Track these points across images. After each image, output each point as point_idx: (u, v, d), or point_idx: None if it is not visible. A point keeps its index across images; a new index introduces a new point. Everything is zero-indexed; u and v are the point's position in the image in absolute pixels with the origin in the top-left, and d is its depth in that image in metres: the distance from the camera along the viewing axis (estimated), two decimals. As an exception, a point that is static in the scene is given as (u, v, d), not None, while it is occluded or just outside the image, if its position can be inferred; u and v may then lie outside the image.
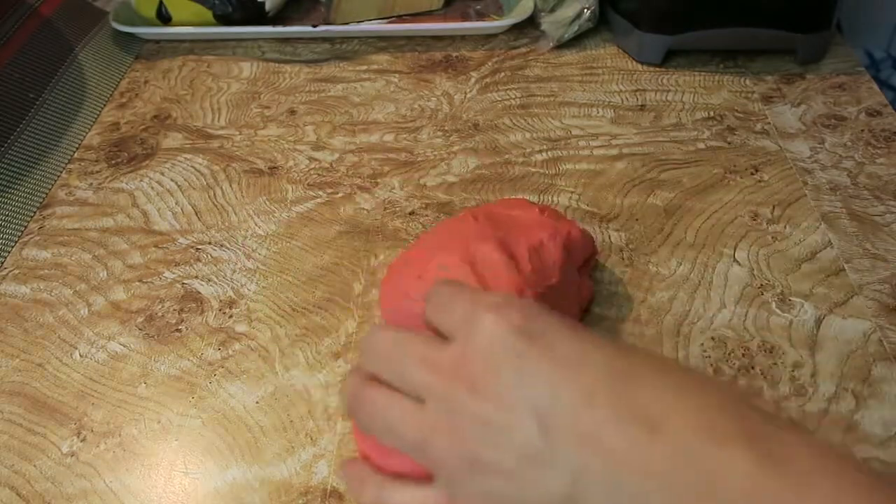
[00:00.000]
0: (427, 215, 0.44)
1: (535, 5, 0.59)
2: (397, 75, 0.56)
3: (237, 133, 0.52)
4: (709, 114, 0.51)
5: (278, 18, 0.63)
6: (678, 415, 0.20)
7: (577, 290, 0.36)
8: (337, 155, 0.49)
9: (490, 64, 0.57)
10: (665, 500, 0.20)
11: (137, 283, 0.41)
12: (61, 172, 0.50)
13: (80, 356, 0.38)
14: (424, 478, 0.25)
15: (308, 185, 0.47)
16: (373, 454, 0.28)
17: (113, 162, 0.50)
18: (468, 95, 0.54)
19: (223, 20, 0.60)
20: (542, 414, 0.21)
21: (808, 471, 0.19)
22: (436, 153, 0.49)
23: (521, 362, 0.22)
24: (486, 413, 0.22)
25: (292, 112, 0.53)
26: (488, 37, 0.60)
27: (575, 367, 0.22)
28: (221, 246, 0.43)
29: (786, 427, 0.21)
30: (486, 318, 0.23)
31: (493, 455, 0.22)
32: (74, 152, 0.51)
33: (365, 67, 0.58)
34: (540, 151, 0.48)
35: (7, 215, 0.46)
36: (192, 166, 0.49)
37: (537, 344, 0.22)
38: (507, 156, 0.48)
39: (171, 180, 0.48)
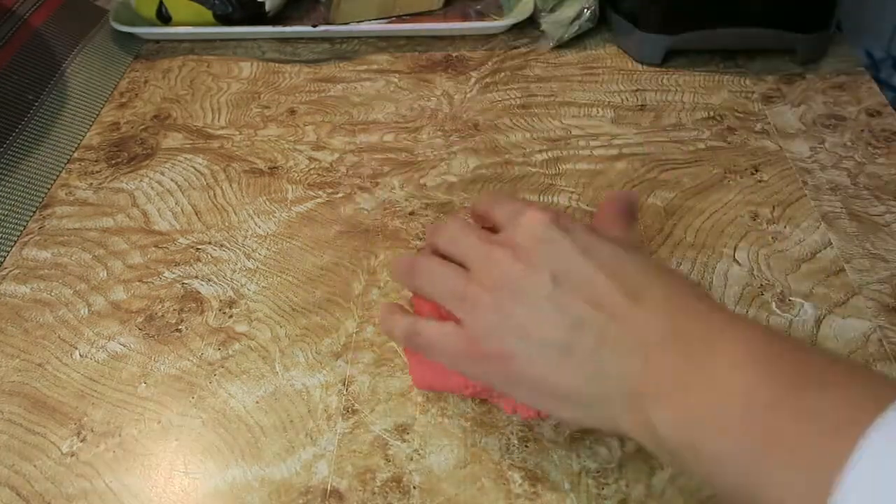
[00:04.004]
0: (427, 215, 0.44)
1: (535, 5, 0.59)
2: (397, 75, 0.56)
3: (237, 133, 0.52)
4: (709, 114, 0.51)
5: (278, 18, 0.63)
6: (655, 289, 0.27)
7: None
8: (337, 155, 0.49)
9: (490, 64, 0.57)
10: (633, 344, 0.26)
11: (137, 283, 0.41)
12: (61, 172, 0.50)
13: (80, 356, 0.38)
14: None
15: (308, 185, 0.47)
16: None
17: (113, 162, 0.50)
18: (468, 95, 0.54)
19: (223, 20, 0.60)
20: (556, 274, 0.28)
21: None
22: (436, 153, 0.49)
23: (552, 244, 0.29)
24: (517, 270, 0.28)
25: (292, 112, 0.53)
26: (488, 37, 0.60)
27: (589, 257, 0.28)
28: (221, 246, 0.43)
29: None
30: (531, 212, 0.30)
31: (513, 301, 0.28)
32: (74, 152, 0.51)
33: (365, 67, 0.58)
34: (540, 151, 0.48)
35: (7, 215, 0.46)
36: (192, 166, 0.49)
37: (569, 235, 0.29)
38: (507, 156, 0.48)
39: (171, 180, 0.48)
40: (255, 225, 0.45)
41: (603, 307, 0.26)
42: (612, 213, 0.33)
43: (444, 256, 0.32)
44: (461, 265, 0.31)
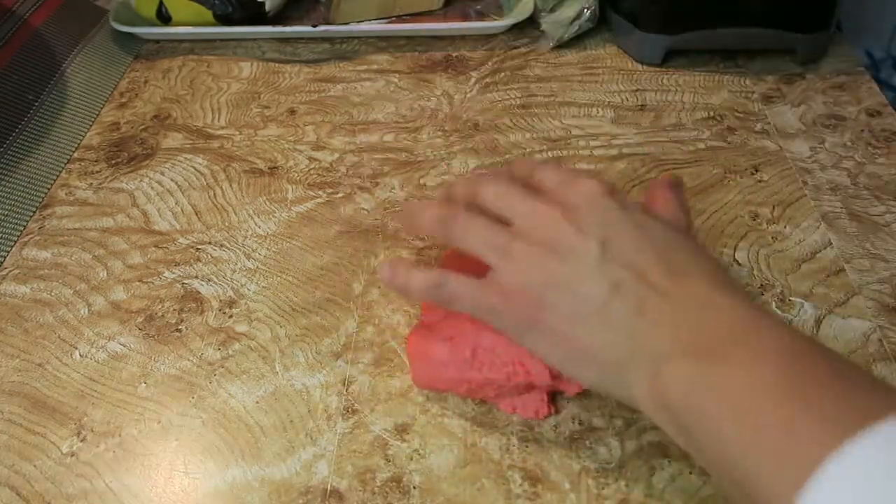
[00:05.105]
0: (427, 215, 0.44)
1: (535, 5, 0.59)
2: (397, 75, 0.56)
3: (237, 133, 0.52)
4: (709, 114, 0.51)
5: (278, 18, 0.63)
6: (698, 275, 0.28)
7: None
8: (337, 155, 0.49)
9: (490, 64, 0.57)
10: (669, 317, 0.27)
11: (137, 283, 0.41)
12: (61, 172, 0.50)
13: (80, 356, 0.38)
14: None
15: (308, 185, 0.47)
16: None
17: (113, 162, 0.50)
18: (468, 95, 0.54)
19: (223, 20, 0.60)
20: (605, 241, 0.28)
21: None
22: (436, 153, 0.49)
23: (606, 211, 0.29)
24: (566, 230, 0.29)
25: (292, 112, 0.53)
26: (488, 37, 0.60)
27: (641, 231, 0.29)
28: (221, 246, 0.43)
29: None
30: (587, 180, 0.30)
31: (558, 259, 0.28)
32: (74, 152, 0.51)
33: (365, 67, 0.58)
34: (540, 151, 0.48)
35: (7, 215, 0.46)
36: (192, 166, 0.49)
37: (623, 209, 0.29)
38: (507, 156, 0.48)
39: (171, 180, 0.48)
40: (255, 225, 0.45)
41: (646, 279, 0.27)
42: (664, 195, 0.33)
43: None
44: (503, 221, 0.31)
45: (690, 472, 0.31)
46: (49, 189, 0.48)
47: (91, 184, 0.49)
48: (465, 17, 0.62)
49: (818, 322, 0.37)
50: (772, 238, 0.41)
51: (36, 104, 0.53)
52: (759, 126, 0.49)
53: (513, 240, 0.30)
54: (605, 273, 0.28)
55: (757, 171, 0.46)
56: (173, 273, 0.42)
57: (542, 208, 0.30)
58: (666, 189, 0.33)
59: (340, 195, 0.46)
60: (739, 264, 0.40)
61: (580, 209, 0.29)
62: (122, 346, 0.38)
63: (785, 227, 0.42)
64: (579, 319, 0.28)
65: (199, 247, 0.43)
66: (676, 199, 0.33)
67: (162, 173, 0.49)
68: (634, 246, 0.28)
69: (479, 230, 0.31)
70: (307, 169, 0.48)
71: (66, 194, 0.48)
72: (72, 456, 0.34)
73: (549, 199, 0.30)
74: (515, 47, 0.59)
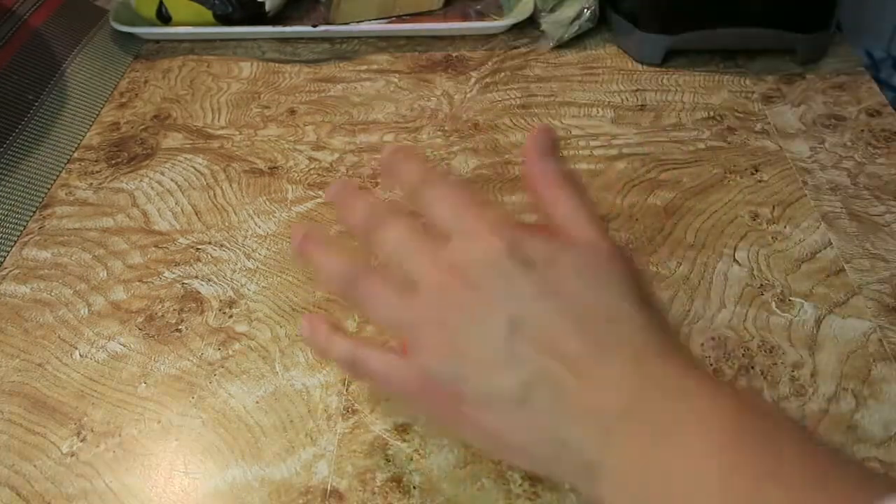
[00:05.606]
0: (427, 215, 0.44)
1: (535, 5, 0.59)
2: (397, 75, 0.56)
3: (237, 133, 0.52)
4: (709, 114, 0.51)
5: (278, 18, 0.63)
6: (624, 342, 0.24)
7: None
8: (337, 155, 0.49)
9: (490, 64, 0.57)
10: (594, 410, 0.23)
11: (137, 283, 0.41)
12: (61, 172, 0.50)
13: (80, 356, 0.38)
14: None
15: (308, 185, 0.47)
16: None
17: (113, 162, 0.50)
18: (468, 95, 0.54)
19: (223, 20, 0.60)
20: (513, 319, 0.24)
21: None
22: (436, 153, 0.49)
23: (510, 281, 0.25)
24: (471, 308, 0.25)
25: (292, 112, 0.53)
26: (488, 37, 0.60)
27: (554, 296, 0.25)
28: (221, 246, 0.43)
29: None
30: (485, 236, 0.26)
31: (466, 339, 0.25)
32: (74, 152, 0.51)
33: (365, 67, 0.58)
34: (540, 151, 0.48)
35: (7, 215, 0.46)
36: (192, 166, 0.49)
37: (530, 270, 0.25)
38: (507, 156, 0.48)
39: (171, 180, 0.48)
40: (255, 225, 0.45)
41: (563, 359, 0.24)
42: (565, 196, 0.28)
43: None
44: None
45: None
46: (49, 189, 0.48)
47: (91, 184, 0.49)
48: (465, 17, 0.62)
49: (818, 322, 0.37)
50: (772, 238, 0.41)
51: (36, 104, 0.53)
52: (759, 126, 0.49)
53: (418, 316, 0.26)
54: (517, 359, 0.24)
55: (757, 171, 0.46)
56: (173, 273, 0.42)
57: (445, 280, 0.26)
58: (561, 186, 0.29)
59: (340, 195, 0.46)
60: (739, 264, 0.40)
61: (481, 278, 0.25)
62: (122, 346, 0.38)
63: (785, 227, 0.42)
64: (498, 413, 0.25)
65: (199, 247, 0.43)
66: (580, 198, 0.28)
67: (162, 173, 0.49)
68: (546, 319, 0.24)
69: (381, 302, 0.28)
70: (307, 169, 0.48)
71: (66, 194, 0.48)
72: (72, 456, 0.34)
73: (451, 260, 0.26)
74: (515, 47, 0.59)
